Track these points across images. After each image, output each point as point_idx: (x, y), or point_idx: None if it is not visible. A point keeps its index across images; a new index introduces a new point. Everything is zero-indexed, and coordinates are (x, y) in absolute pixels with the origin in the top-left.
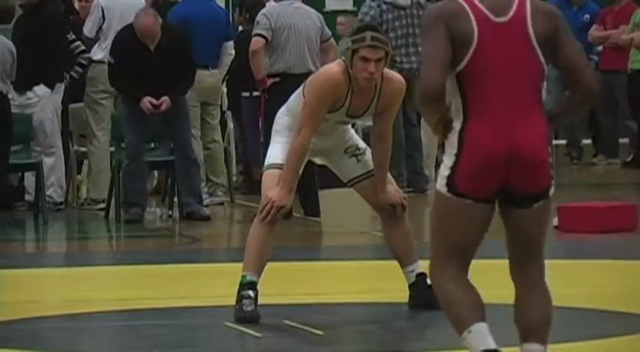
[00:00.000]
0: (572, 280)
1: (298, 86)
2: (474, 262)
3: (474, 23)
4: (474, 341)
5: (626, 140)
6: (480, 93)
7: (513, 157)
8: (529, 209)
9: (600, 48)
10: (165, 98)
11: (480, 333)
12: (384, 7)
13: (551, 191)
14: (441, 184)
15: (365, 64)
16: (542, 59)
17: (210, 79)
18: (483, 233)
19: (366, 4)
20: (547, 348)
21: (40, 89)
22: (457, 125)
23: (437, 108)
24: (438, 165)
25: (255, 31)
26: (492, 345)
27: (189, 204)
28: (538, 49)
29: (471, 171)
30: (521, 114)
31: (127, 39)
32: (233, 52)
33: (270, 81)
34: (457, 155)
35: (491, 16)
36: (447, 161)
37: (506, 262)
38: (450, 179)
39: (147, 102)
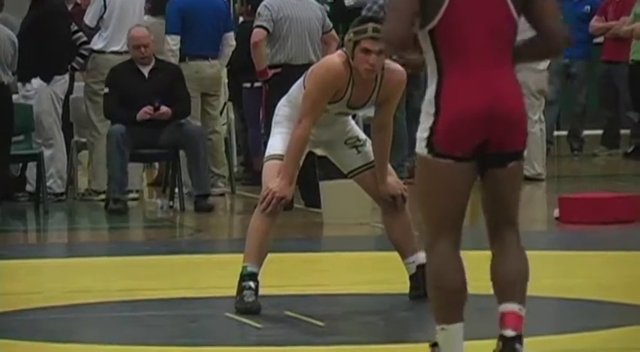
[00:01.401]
0: (573, 271)
1: (298, 77)
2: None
3: None
4: (445, 343)
5: (627, 131)
6: (454, 51)
7: (492, 113)
8: (503, 169)
9: (601, 39)
10: (167, 108)
11: (453, 336)
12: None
13: (525, 153)
14: (420, 146)
15: (366, 56)
16: (515, 14)
17: (211, 69)
18: (466, 196)
19: None
20: (523, 308)
21: (37, 82)
22: (433, 84)
23: (404, 54)
24: None
25: (256, 23)
26: None
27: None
28: (511, 4)
29: (449, 129)
30: (497, 69)
31: (122, 68)
32: (234, 43)
33: (271, 72)
34: (435, 114)
35: None
36: (426, 121)
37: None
38: (429, 139)
39: (144, 111)
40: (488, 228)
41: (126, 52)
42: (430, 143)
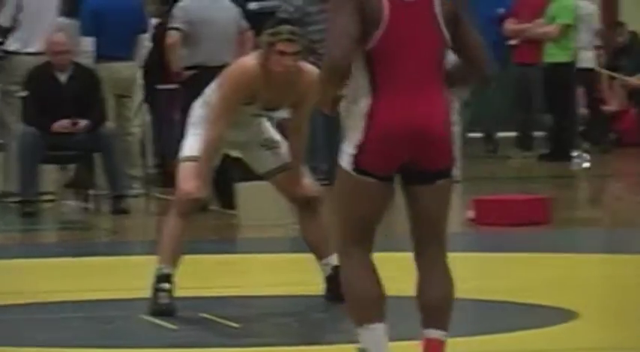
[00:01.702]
0: (487, 273)
1: (213, 79)
2: (380, 255)
3: (385, 2)
4: (368, 341)
5: (541, 133)
6: (388, 72)
7: (418, 135)
8: (431, 185)
9: (515, 41)
10: (85, 121)
11: (376, 336)
12: None
13: (453, 171)
14: (346, 162)
15: (281, 58)
16: (447, 37)
17: (126, 71)
18: (384, 212)
19: None
20: (447, 335)
21: None
22: (363, 103)
23: (340, 82)
24: None
25: (171, 24)
26: None
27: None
28: (444, 28)
29: (377, 149)
30: (426, 92)
31: (40, 73)
32: (149, 44)
33: (186, 73)
34: (363, 132)
35: None
36: (353, 138)
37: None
38: (355, 157)
39: (62, 125)
40: (413, 244)
41: (41, 54)
42: (355, 161)
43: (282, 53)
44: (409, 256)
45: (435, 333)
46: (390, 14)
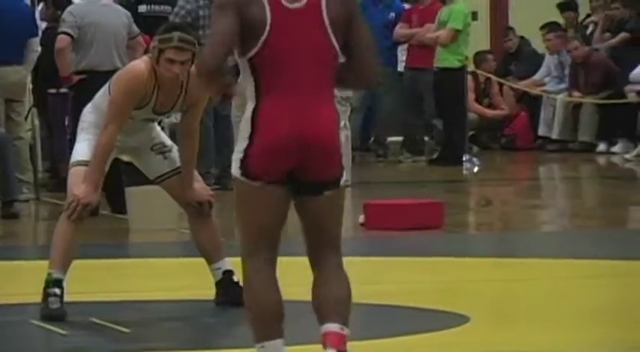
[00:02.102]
0: (378, 277)
1: (104, 83)
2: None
3: (267, 9)
4: None
5: (428, 138)
6: (273, 78)
7: (304, 142)
8: (319, 197)
9: (405, 46)
10: None
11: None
12: (202, 2)
13: (342, 181)
14: (235, 168)
15: (170, 65)
16: (336, 45)
17: (15, 75)
18: (280, 217)
19: None
20: (346, 328)
21: None
22: (250, 108)
23: (212, 81)
24: None
25: (60, 29)
26: None
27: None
28: (332, 35)
29: (261, 154)
30: (314, 98)
31: None
32: (39, 48)
33: (76, 78)
34: (249, 138)
35: (285, 3)
36: (240, 144)
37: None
38: (242, 162)
39: None
40: (308, 252)
41: None
42: (244, 166)
43: (171, 61)
44: (300, 260)
45: (332, 326)
46: (273, 21)
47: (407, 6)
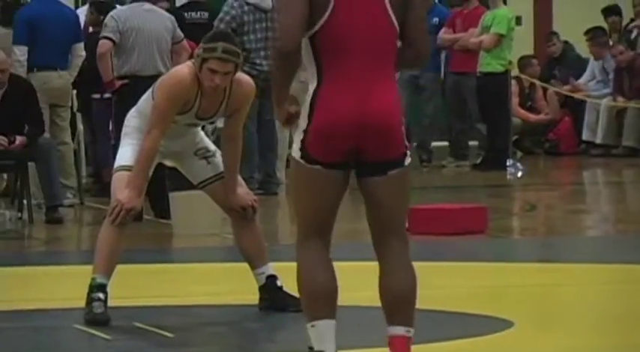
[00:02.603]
0: (422, 282)
1: (147, 88)
2: (338, 264)
3: None
4: (315, 338)
5: (475, 142)
6: (335, 57)
7: (365, 122)
8: (383, 176)
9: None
10: (22, 138)
11: (324, 332)
12: (246, 8)
13: (407, 160)
14: (295, 149)
15: (212, 75)
16: (396, 24)
17: (59, 80)
18: (336, 201)
19: (227, 4)
20: (411, 329)
21: None
22: (311, 88)
23: (291, 67)
24: (288, 166)
25: (102, 34)
26: (329, 350)
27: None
28: (392, 14)
29: (319, 135)
30: (375, 78)
31: None
32: (84, 53)
33: (118, 83)
34: (308, 118)
35: None
36: (302, 124)
37: (368, 264)
38: (302, 143)
39: None
40: (373, 239)
41: None
42: (303, 147)
43: (213, 71)
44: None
45: (399, 330)
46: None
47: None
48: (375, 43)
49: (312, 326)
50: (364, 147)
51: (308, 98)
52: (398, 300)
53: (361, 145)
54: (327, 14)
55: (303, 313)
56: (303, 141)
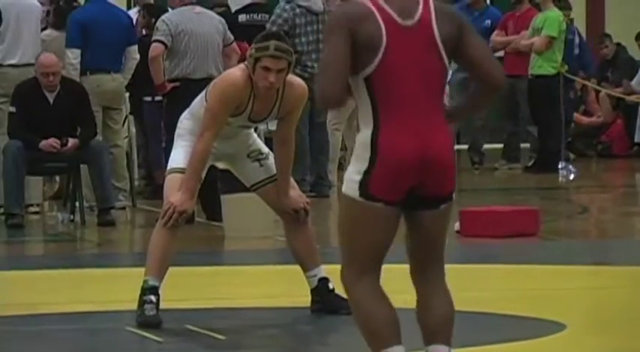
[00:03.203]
0: (474, 284)
1: (199, 91)
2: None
3: (382, 26)
4: None
5: (527, 145)
6: (390, 97)
7: (426, 159)
8: (435, 210)
9: (502, 53)
10: (74, 140)
11: None
12: (298, 10)
13: (454, 194)
14: (352, 188)
15: (266, 73)
16: (447, 61)
17: (113, 83)
18: (392, 237)
19: (280, 7)
20: (451, 350)
21: None
22: (368, 130)
23: (336, 108)
24: (340, 168)
25: (154, 37)
26: None
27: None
28: (443, 51)
29: (385, 176)
30: (430, 117)
31: (28, 90)
32: (137, 56)
33: (170, 86)
34: (370, 159)
35: (399, 19)
36: (359, 165)
37: (401, 267)
38: (362, 183)
39: (51, 141)
40: (412, 264)
41: (24, 65)
42: (363, 186)
43: (267, 69)
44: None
45: (438, 348)
46: (388, 39)
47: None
48: (427, 81)
49: None
50: (424, 184)
51: (366, 139)
52: (442, 321)
53: (421, 182)
54: (380, 54)
55: (368, 345)
56: (363, 182)
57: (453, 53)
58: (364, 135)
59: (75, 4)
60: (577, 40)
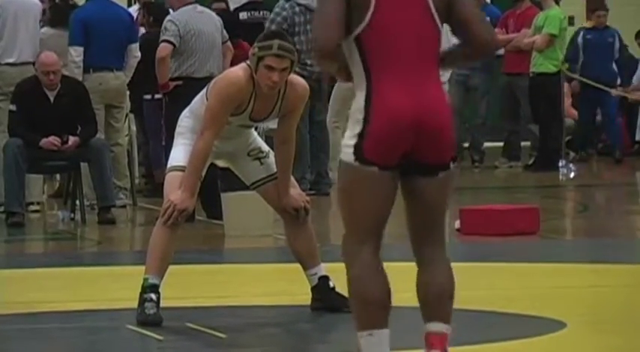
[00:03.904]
0: (474, 283)
1: (199, 89)
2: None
3: None
4: (370, 347)
5: (528, 143)
6: (381, 58)
7: (421, 124)
8: (434, 178)
9: (502, 51)
10: (75, 138)
11: (382, 341)
12: (297, 9)
13: (454, 163)
14: (346, 153)
15: (269, 73)
16: (439, 22)
17: (115, 81)
18: (390, 204)
19: (279, 5)
20: (450, 327)
21: None
22: (361, 93)
23: (333, 63)
24: None
25: (163, 38)
26: None
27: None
28: (435, 14)
29: (379, 136)
30: (424, 77)
31: (29, 89)
32: (139, 54)
33: (172, 84)
34: (364, 121)
35: None
36: (354, 128)
37: (411, 265)
38: (357, 147)
39: (52, 139)
40: (412, 240)
41: (22, 64)
42: (357, 150)
43: (271, 68)
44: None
45: (436, 326)
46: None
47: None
48: (420, 43)
49: (370, 334)
50: (419, 148)
51: (360, 101)
52: (438, 295)
53: (416, 146)
54: (369, 14)
55: (355, 321)
56: (357, 145)
57: (445, 16)
58: (358, 99)
59: (71, 2)
60: (617, 45)
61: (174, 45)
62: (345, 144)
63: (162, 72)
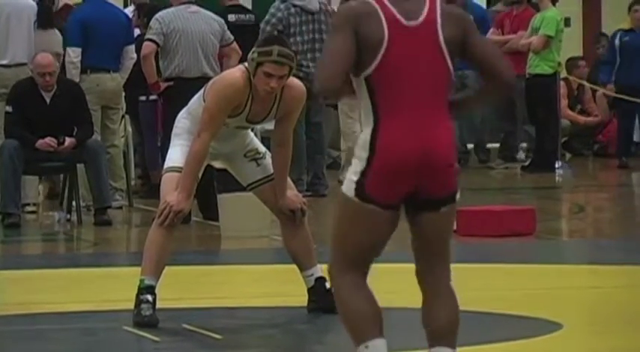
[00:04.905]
0: (470, 284)
1: (193, 90)
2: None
3: (385, 26)
4: None
5: (523, 144)
6: (390, 97)
7: (425, 162)
8: (437, 212)
9: None
10: (71, 139)
11: (380, 349)
12: (293, 10)
13: (457, 195)
14: (348, 188)
15: (267, 79)
16: (450, 63)
17: (112, 82)
18: (385, 239)
19: (274, 6)
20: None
21: None
22: (367, 130)
23: (337, 98)
24: (335, 168)
25: (146, 36)
26: None
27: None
28: (447, 53)
29: (383, 176)
30: (431, 118)
31: (25, 90)
32: (135, 55)
33: (164, 85)
34: (368, 159)
35: (403, 20)
36: (358, 165)
37: (403, 266)
38: (359, 183)
39: (48, 140)
40: (418, 267)
41: (16, 65)
42: (359, 187)
43: (269, 75)
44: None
45: (443, 351)
46: (390, 38)
47: (485, 9)
48: (430, 81)
49: (366, 347)
50: (423, 187)
51: (366, 138)
52: (447, 325)
53: (420, 185)
54: (381, 54)
55: (350, 337)
56: (359, 182)
57: (459, 54)
58: (364, 135)
59: (54, 3)
60: None
61: (157, 43)
62: (349, 178)
63: (148, 70)
